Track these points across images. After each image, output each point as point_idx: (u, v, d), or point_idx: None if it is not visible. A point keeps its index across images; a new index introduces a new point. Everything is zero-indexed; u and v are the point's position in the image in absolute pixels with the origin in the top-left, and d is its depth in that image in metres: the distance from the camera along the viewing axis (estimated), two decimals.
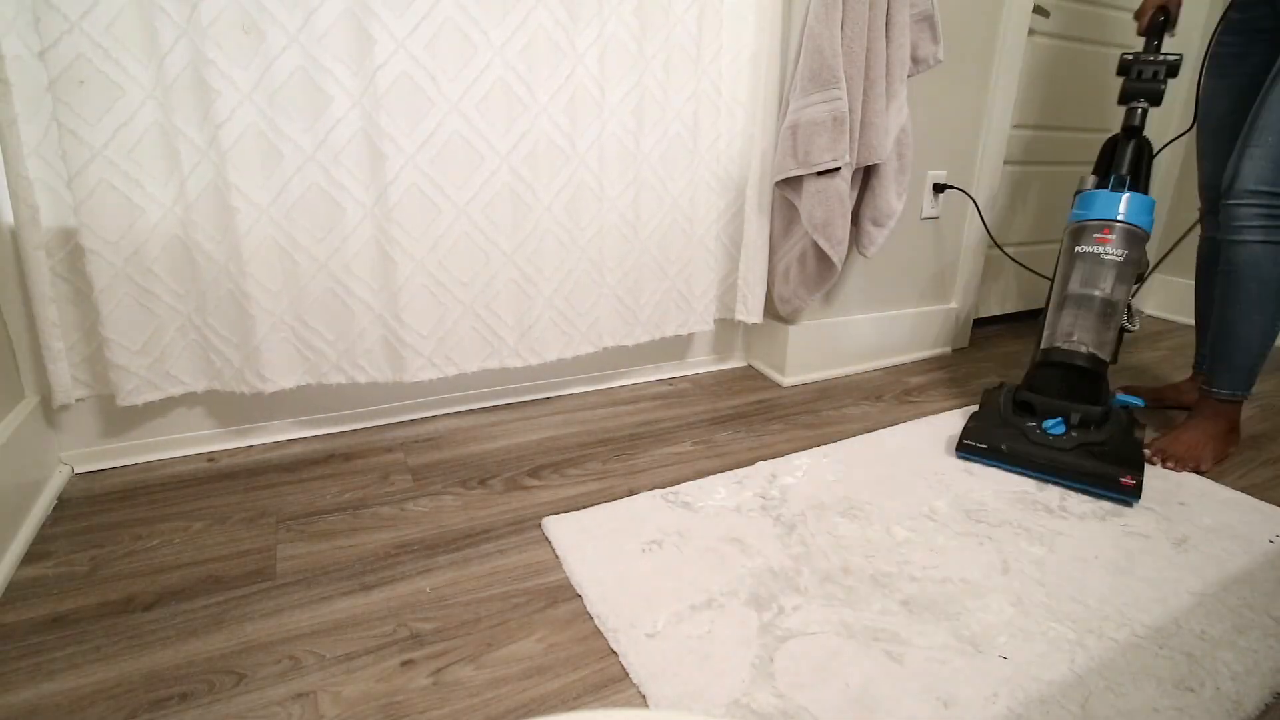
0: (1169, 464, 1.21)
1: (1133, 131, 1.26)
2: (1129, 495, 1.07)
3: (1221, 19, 1.26)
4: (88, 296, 1.02)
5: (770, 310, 1.59)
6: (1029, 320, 2.18)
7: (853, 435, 1.31)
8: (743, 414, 1.40)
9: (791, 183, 1.39)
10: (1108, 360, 1.19)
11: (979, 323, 2.06)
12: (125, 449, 1.13)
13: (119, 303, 1.01)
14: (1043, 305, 2.24)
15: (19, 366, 1.03)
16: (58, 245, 0.99)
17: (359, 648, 0.75)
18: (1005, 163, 1.85)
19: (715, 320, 1.56)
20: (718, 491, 1.09)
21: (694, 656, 0.75)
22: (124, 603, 0.82)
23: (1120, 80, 1.48)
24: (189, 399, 1.15)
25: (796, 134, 1.31)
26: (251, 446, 1.21)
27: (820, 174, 1.32)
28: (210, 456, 1.17)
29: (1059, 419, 1.17)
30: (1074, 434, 1.15)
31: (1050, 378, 1.22)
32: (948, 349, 1.86)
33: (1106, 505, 1.09)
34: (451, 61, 1.09)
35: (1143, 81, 1.26)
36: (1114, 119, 2.07)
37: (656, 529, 0.98)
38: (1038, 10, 1.70)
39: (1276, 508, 1.09)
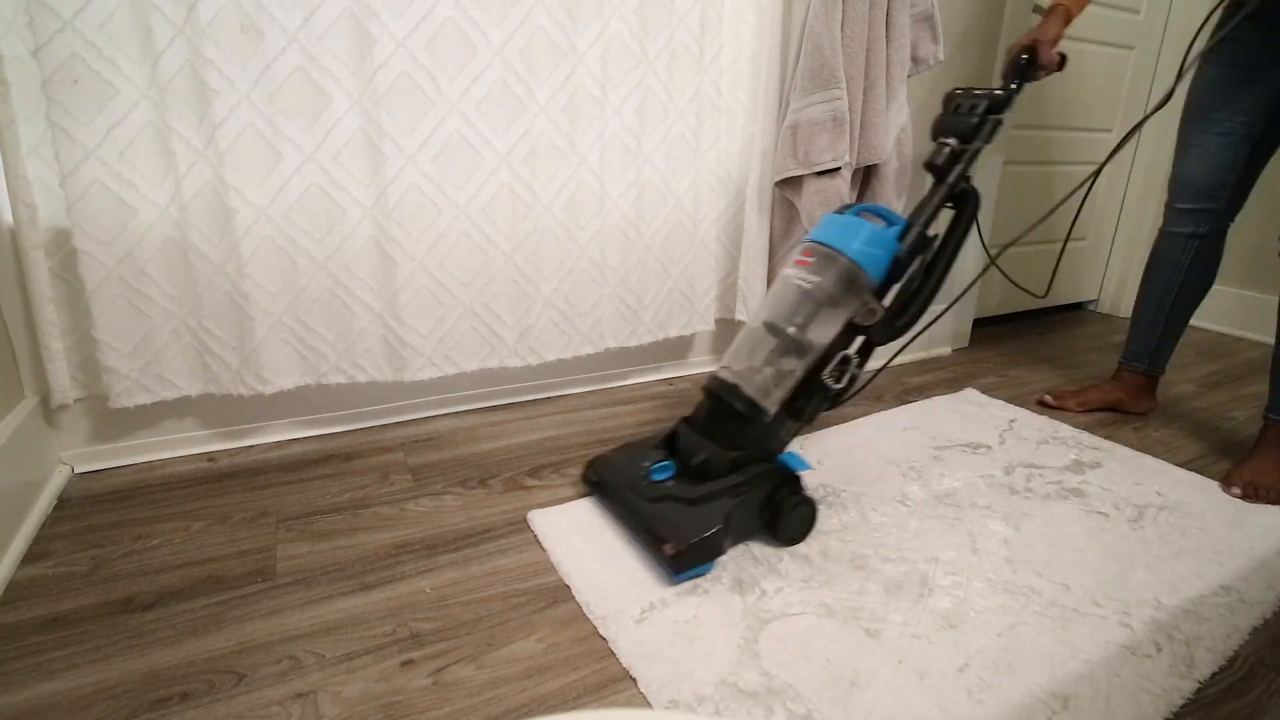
0: (1256, 497, 1.10)
1: (939, 173, 1.04)
2: (670, 568, 0.86)
3: (1232, 4, 1.18)
4: (82, 297, 1.02)
5: None
6: (1029, 320, 2.19)
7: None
8: None
9: (791, 183, 1.39)
10: (769, 410, 0.95)
11: (979, 323, 2.06)
12: (125, 449, 1.13)
13: (110, 304, 1.01)
14: (1040, 306, 2.24)
15: (19, 366, 1.03)
16: (56, 245, 0.99)
17: (359, 648, 0.75)
18: (1005, 163, 1.85)
19: (715, 320, 1.56)
20: None
21: (681, 640, 0.77)
22: (124, 603, 0.81)
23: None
24: (189, 399, 1.15)
25: (796, 134, 1.31)
26: (251, 446, 1.21)
27: (820, 174, 1.32)
28: (210, 456, 1.17)
29: (670, 463, 0.98)
30: (671, 483, 0.95)
31: (703, 408, 1.01)
32: (948, 349, 1.86)
33: (1068, 485, 1.13)
34: (451, 61, 1.09)
35: (958, 115, 1.06)
36: (1113, 119, 2.08)
37: None
38: (1038, 10, 1.70)
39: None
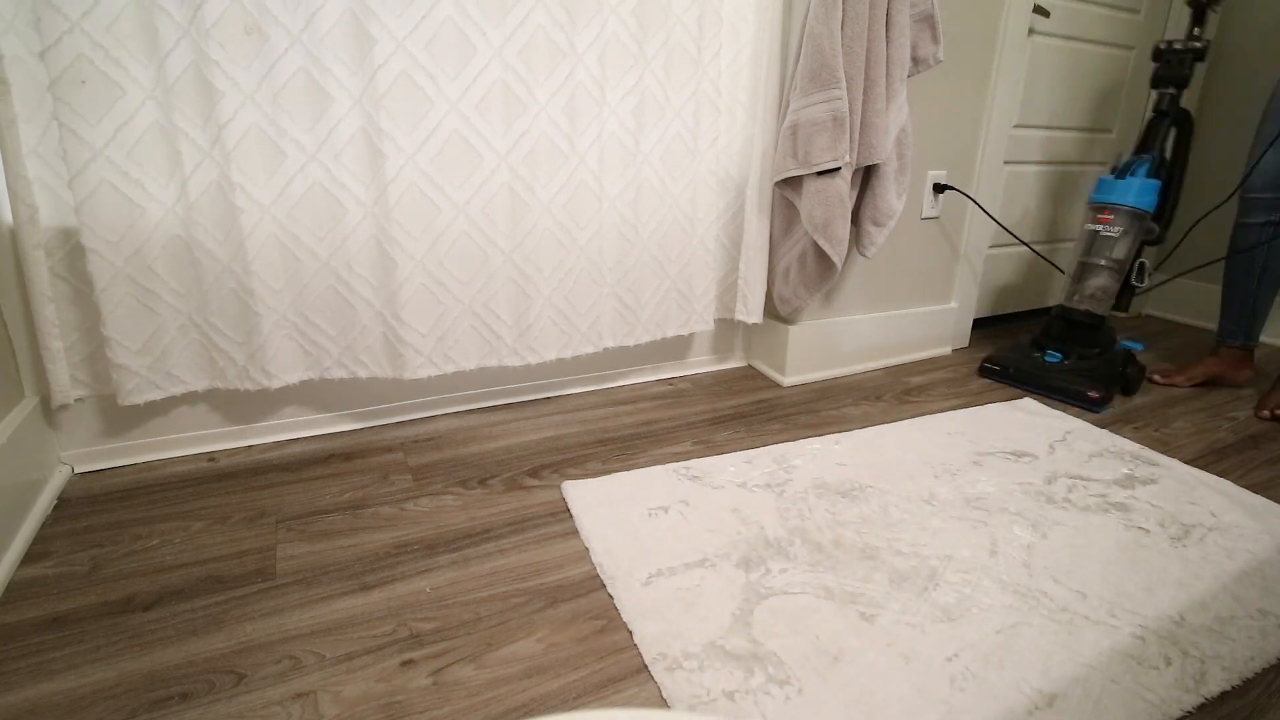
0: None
1: (1164, 111, 1.54)
2: (1094, 406, 1.44)
3: None
4: (88, 296, 1.02)
5: (770, 310, 1.59)
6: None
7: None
8: (742, 414, 1.40)
9: (791, 183, 1.39)
10: (1106, 315, 1.54)
11: (979, 323, 2.06)
12: (125, 449, 1.13)
13: (120, 302, 1.01)
14: (1042, 305, 2.25)
15: (19, 366, 1.03)
16: (57, 245, 0.99)
17: (359, 648, 0.75)
18: (1005, 163, 1.85)
19: (715, 320, 1.56)
20: (727, 469, 1.14)
21: (680, 604, 0.82)
22: (124, 603, 0.82)
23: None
24: (189, 398, 1.15)
25: (796, 134, 1.31)
26: (252, 446, 1.21)
27: (820, 174, 1.32)
28: (210, 456, 1.17)
29: (1057, 352, 1.55)
30: (1067, 363, 1.52)
31: (1059, 327, 1.59)
32: (948, 349, 1.85)
33: (1112, 499, 1.09)
34: (451, 61, 1.09)
35: (1171, 67, 1.54)
36: (1113, 120, 2.08)
37: (666, 496, 1.05)
38: (1038, 10, 1.69)
39: None
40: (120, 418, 1.12)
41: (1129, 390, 1.51)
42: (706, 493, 1.06)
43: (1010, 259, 2.04)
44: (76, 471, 1.10)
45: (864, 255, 1.46)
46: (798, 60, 1.30)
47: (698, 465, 1.15)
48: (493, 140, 1.16)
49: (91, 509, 1.01)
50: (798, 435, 1.30)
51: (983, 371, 1.62)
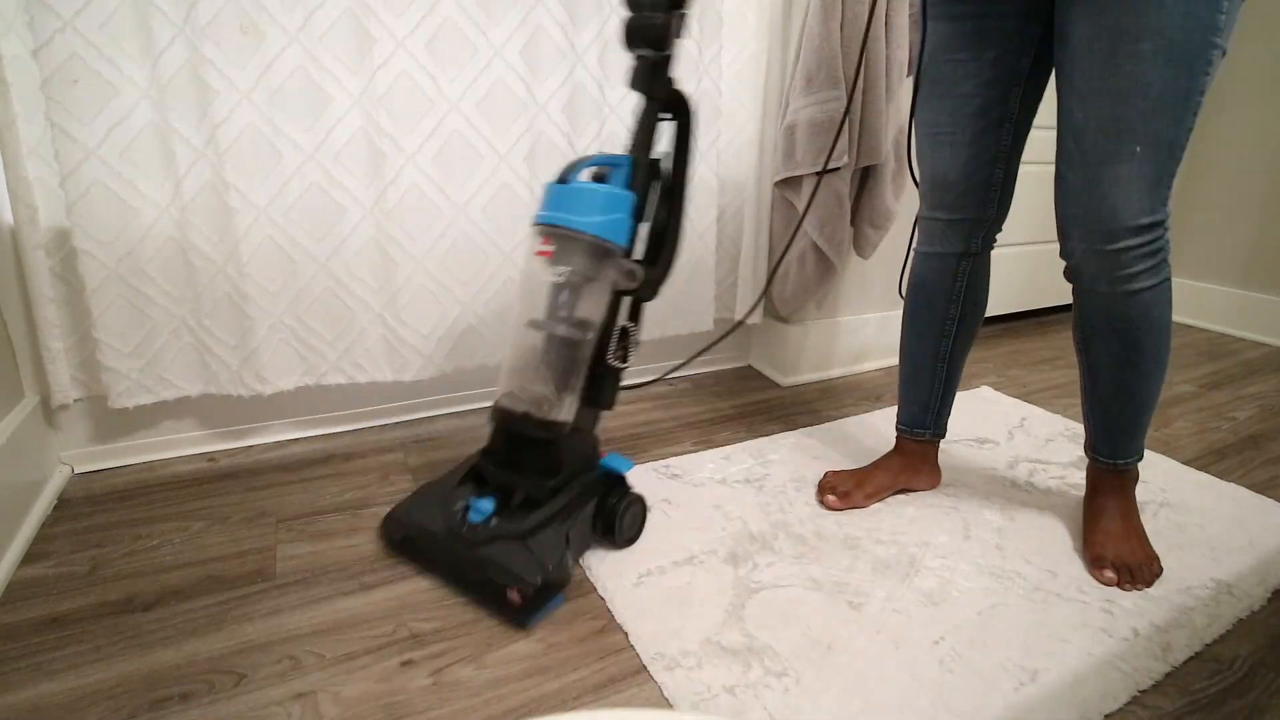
0: (1133, 581, 0.86)
1: (644, 88, 0.86)
2: (519, 618, 0.78)
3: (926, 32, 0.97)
4: (82, 297, 1.02)
5: (770, 310, 1.59)
6: (1029, 320, 2.19)
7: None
8: (743, 414, 1.40)
9: (791, 183, 1.39)
10: (567, 421, 0.85)
11: None
12: (125, 449, 1.13)
13: (111, 304, 1.01)
14: (1044, 305, 2.23)
15: (19, 366, 1.03)
16: (57, 245, 0.99)
17: (359, 648, 0.76)
18: None
19: (715, 320, 1.56)
20: (706, 465, 1.15)
21: (674, 603, 0.83)
22: (124, 603, 0.82)
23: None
24: (189, 399, 1.15)
25: (795, 134, 1.31)
26: (251, 446, 1.21)
27: (819, 174, 1.31)
28: (210, 456, 1.17)
29: (491, 497, 0.85)
30: (495, 521, 0.83)
31: (498, 442, 0.91)
32: None
33: (1070, 481, 1.13)
34: (451, 61, 1.09)
35: (644, 17, 0.82)
36: None
37: (649, 496, 1.05)
38: None
39: (1229, 483, 1.14)
40: (120, 418, 1.12)
41: (614, 537, 0.90)
42: (688, 490, 1.07)
43: (1011, 258, 2.04)
44: (76, 471, 1.10)
45: (862, 257, 1.46)
46: (797, 60, 1.30)
47: (678, 463, 1.16)
48: (493, 140, 1.16)
49: (91, 509, 1.01)
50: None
51: (382, 537, 0.94)
